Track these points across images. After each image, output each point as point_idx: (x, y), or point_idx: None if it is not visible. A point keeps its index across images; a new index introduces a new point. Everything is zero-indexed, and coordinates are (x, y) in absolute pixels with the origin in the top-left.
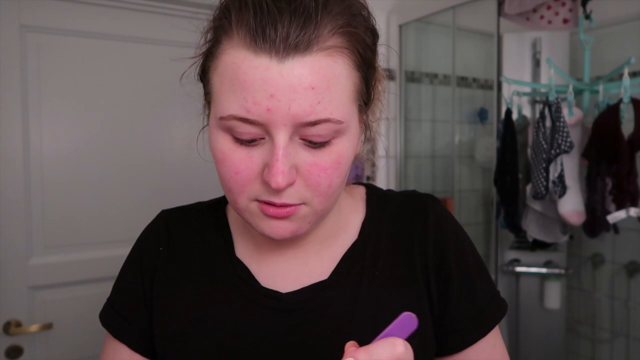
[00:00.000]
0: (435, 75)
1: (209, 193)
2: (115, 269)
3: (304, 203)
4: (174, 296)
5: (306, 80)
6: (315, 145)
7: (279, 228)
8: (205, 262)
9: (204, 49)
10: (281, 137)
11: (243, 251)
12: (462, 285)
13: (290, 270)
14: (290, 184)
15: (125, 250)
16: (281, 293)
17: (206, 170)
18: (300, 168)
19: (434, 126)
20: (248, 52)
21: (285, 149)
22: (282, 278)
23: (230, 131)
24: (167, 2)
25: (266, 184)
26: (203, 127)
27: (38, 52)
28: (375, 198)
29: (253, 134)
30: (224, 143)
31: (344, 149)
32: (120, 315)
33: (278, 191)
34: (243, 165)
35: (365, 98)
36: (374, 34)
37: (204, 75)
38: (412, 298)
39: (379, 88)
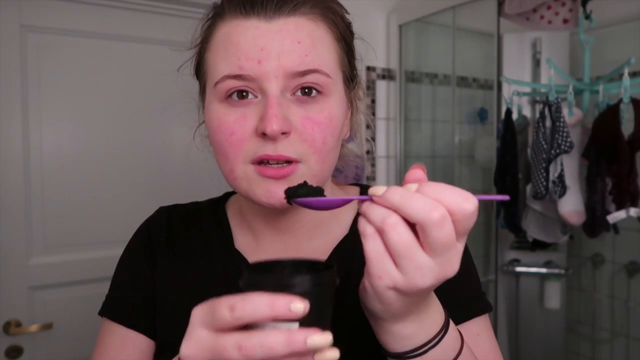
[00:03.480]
0: (435, 75)
1: (209, 192)
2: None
3: (300, 161)
4: (173, 287)
5: (293, 36)
6: (306, 95)
7: (277, 192)
8: (204, 255)
9: (199, 39)
10: (273, 87)
11: (242, 243)
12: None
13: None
14: (285, 133)
15: None
16: None
17: (206, 169)
18: (294, 122)
19: (434, 126)
20: (239, 19)
21: (277, 98)
22: None
23: (224, 97)
24: (167, 2)
25: (261, 136)
26: (200, 124)
27: (38, 52)
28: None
29: (247, 88)
30: (219, 110)
31: (334, 108)
32: (131, 304)
33: (273, 138)
34: (237, 125)
35: (349, 72)
36: (350, 28)
37: (200, 68)
38: None
39: (354, 55)
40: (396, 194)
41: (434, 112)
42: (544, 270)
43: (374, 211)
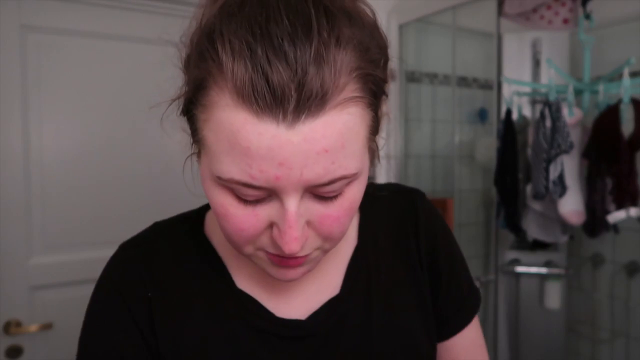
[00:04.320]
0: (435, 75)
1: None
2: None
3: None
4: (183, 344)
5: (319, 145)
6: (327, 198)
7: (290, 274)
8: (206, 301)
9: (184, 88)
10: (292, 202)
11: (244, 280)
12: (451, 278)
13: (300, 290)
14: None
15: None
16: (300, 320)
17: None
18: (312, 220)
19: (434, 126)
20: (248, 115)
21: (297, 214)
22: (293, 301)
23: (230, 189)
24: (167, 2)
25: (276, 241)
26: (190, 155)
27: (38, 52)
28: (366, 199)
29: (258, 196)
30: (224, 198)
31: (357, 192)
32: None
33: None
34: (248, 223)
35: (376, 128)
36: (383, 50)
37: (189, 112)
38: (417, 295)
39: (386, 97)
40: None
41: (434, 112)
42: (544, 270)
43: None
